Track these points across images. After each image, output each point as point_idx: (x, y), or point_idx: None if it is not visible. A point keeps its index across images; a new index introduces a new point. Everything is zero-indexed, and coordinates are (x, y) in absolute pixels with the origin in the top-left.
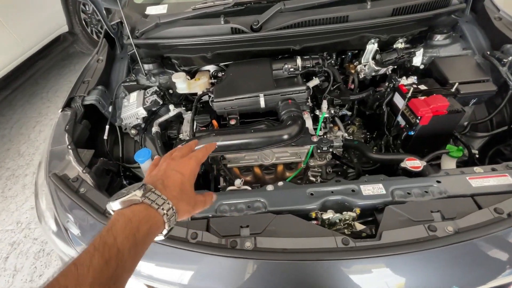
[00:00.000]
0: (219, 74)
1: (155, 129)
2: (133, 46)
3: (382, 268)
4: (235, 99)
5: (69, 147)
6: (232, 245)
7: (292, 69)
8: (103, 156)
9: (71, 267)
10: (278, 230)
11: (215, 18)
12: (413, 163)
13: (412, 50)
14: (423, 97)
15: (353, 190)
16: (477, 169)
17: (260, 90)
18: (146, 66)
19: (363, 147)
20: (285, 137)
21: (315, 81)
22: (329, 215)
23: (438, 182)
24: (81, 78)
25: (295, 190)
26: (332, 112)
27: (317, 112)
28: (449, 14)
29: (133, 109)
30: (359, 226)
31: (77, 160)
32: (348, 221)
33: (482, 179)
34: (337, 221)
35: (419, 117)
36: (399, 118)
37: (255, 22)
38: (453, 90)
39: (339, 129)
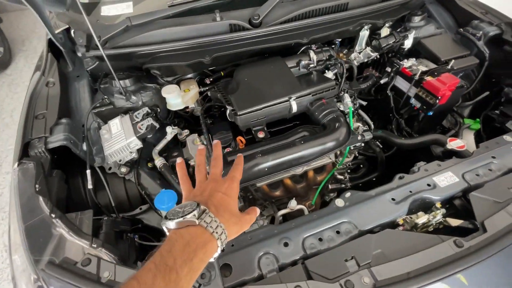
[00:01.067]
0: (207, 81)
1: (159, 161)
2: (105, 57)
3: (504, 259)
4: (264, 107)
5: (53, 215)
6: (349, 286)
7: (311, 65)
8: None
9: (133, 283)
10: (386, 252)
11: (204, 14)
12: (457, 143)
13: (406, 33)
14: (429, 78)
15: (429, 185)
16: (507, 137)
17: (288, 93)
18: (122, 83)
19: (389, 135)
20: (340, 141)
21: (329, 75)
22: (422, 219)
23: (493, 157)
24: (30, 112)
25: (372, 199)
26: (357, 104)
27: (341, 107)
28: None
29: (121, 141)
30: (455, 222)
31: (75, 232)
32: (441, 220)
33: None
34: (433, 223)
35: (439, 97)
36: (413, 101)
37: (255, 16)
38: (449, 67)
39: (354, 120)
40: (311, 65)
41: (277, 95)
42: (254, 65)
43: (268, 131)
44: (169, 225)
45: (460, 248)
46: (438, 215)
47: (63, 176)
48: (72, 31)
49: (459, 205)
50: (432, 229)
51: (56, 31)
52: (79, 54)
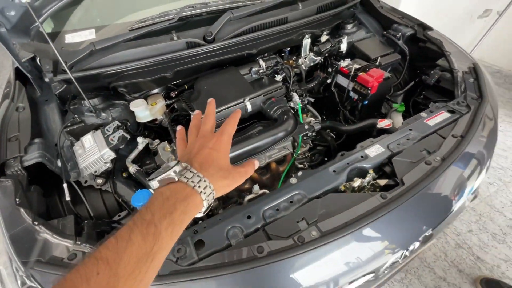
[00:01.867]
0: (172, 94)
1: (133, 168)
2: (73, 80)
3: (416, 202)
4: (222, 110)
5: (36, 223)
6: (300, 240)
7: (261, 71)
8: None
9: (111, 240)
10: (329, 211)
11: (163, 35)
12: (385, 123)
13: (340, 38)
14: (362, 73)
15: (362, 156)
16: (423, 114)
17: (243, 96)
18: (91, 102)
19: (336, 124)
20: (287, 131)
21: (278, 78)
22: (357, 183)
23: (410, 130)
24: (2, 136)
25: (318, 173)
26: (305, 101)
27: (291, 104)
28: (349, 8)
29: (95, 154)
30: (382, 182)
31: (59, 234)
32: (371, 182)
33: (432, 119)
34: (365, 185)
35: (369, 88)
36: (351, 94)
37: (208, 34)
38: (377, 63)
39: (307, 115)
40: (261, 71)
41: (233, 98)
42: (212, 75)
43: None
44: (152, 185)
45: (385, 199)
46: (368, 178)
47: (41, 191)
48: (37, 59)
49: (386, 168)
50: (366, 189)
51: (23, 60)
52: (47, 80)
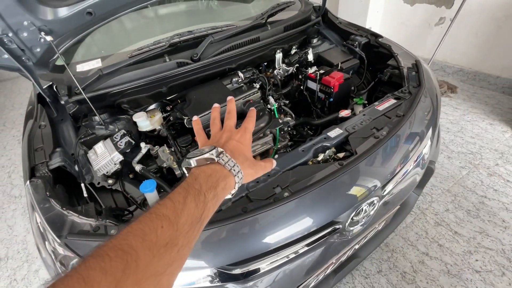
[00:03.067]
0: (168, 108)
1: (138, 166)
2: (87, 99)
3: (366, 166)
4: (210, 112)
5: (64, 208)
6: (275, 199)
7: (240, 81)
8: None
9: (167, 201)
10: (299, 178)
11: (157, 59)
12: (344, 112)
13: (306, 50)
14: (326, 76)
15: (325, 138)
16: (376, 103)
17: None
18: (98, 118)
19: (309, 120)
20: (264, 124)
21: (257, 86)
22: (321, 157)
23: (364, 115)
24: (30, 147)
25: (290, 153)
26: (281, 103)
27: (269, 106)
28: (312, 26)
29: (106, 157)
30: (341, 155)
31: (83, 215)
32: (332, 156)
33: (382, 105)
34: (327, 158)
35: (332, 87)
36: (319, 94)
37: (194, 55)
38: (339, 68)
39: (285, 116)
40: (240, 81)
41: (218, 102)
42: (200, 87)
43: None
44: (190, 163)
45: (341, 166)
46: (328, 152)
47: (63, 189)
48: (54, 86)
49: (346, 147)
50: (330, 162)
51: (44, 87)
52: (62, 102)
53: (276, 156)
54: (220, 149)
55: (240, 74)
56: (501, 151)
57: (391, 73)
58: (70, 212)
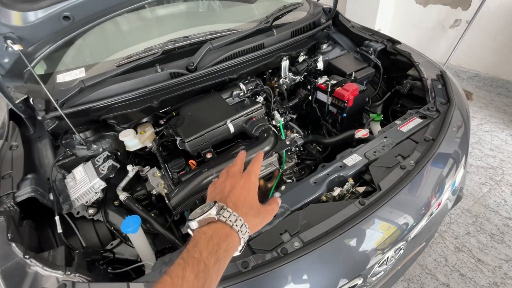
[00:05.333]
0: (161, 122)
1: (123, 195)
2: (64, 116)
3: (393, 206)
4: (206, 132)
5: (26, 256)
6: (283, 252)
7: (241, 94)
8: None
9: (166, 278)
10: (311, 221)
11: (147, 68)
12: (362, 133)
13: (315, 58)
14: (338, 88)
15: (341, 166)
16: (397, 121)
17: (224, 118)
18: (82, 135)
19: (319, 138)
20: (269, 147)
21: (260, 99)
22: (337, 192)
23: (385, 137)
24: None
25: (299, 186)
26: (288, 118)
27: (274, 122)
28: (322, 30)
29: (86, 184)
30: (360, 189)
31: (49, 266)
32: (351, 190)
33: (406, 125)
34: (345, 193)
35: (346, 101)
36: (331, 108)
37: (190, 64)
38: (352, 78)
39: (292, 132)
40: (242, 94)
41: (215, 121)
42: (195, 101)
43: (215, 151)
44: (191, 225)
45: (363, 205)
46: (346, 186)
47: (33, 225)
48: (31, 99)
49: (365, 176)
50: (347, 198)
51: (17, 101)
52: (39, 118)
53: (283, 187)
54: (220, 204)
55: (242, 86)
56: None
57: (412, 85)
58: (34, 261)
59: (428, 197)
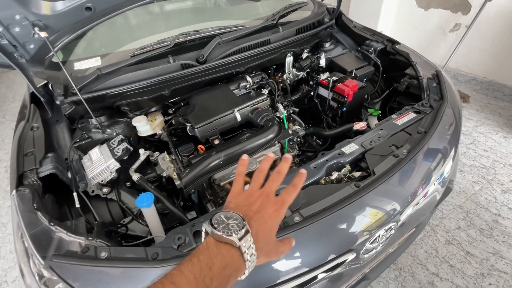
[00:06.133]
0: (170, 111)
1: (136, 176)
2: (83, 100)
3: (384, 188)
4: (215, 119)
5: (51, 224)
6: (285, 225)
7: (248, 86)
8: None
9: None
10: (310, 200)
11: (160, 59)
12: (360, 125)
13: (318, 55)
14: (339, 84)
15: (339, 154)
16: (393, 116)
17: (233, 107)
18: (95, 120)
19: (319, 130)
20: (273, 135)
21: (265, 91)
22: (334, 176)
23: (381, 129)
24: (20, 151)
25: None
26: (290, 111)
27: (277, 114)
28: (325, 29)
29: (102, 165)
30: (357, 174)
31: (72, 232)
32: (348, 175)
33: (401, 119)
34: (342, 177)
35: (346, 96)
36: (331, 102)
37: (200, 56)
38: (353, 75)
39: (294, 124)
40: (248, 86)
41: (224, 109)
42: (205, 91)
43: (222, 138)
44: (212, 233)
45: (358, 187)
46: (343, 170)
47: (54, 199)
48: (50, 85)
49: (362, 164)
50: (344, 182)
51: (37, 86)
52: (58, 102)
53: (312, 165)
54: (247, 228)
55: (249, 79)
56: None
57: (409, 83)
58: (58, 228)
59: (416, 185)
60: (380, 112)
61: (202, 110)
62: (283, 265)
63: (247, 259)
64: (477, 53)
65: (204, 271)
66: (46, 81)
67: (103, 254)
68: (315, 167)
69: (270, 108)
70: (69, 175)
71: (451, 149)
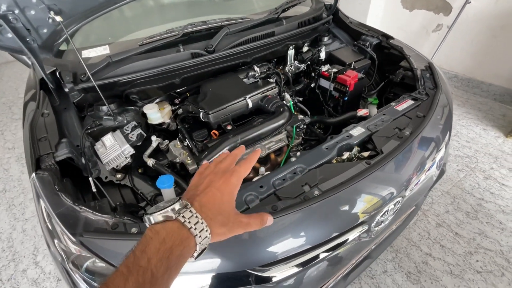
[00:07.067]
0: (176, 101)
1: (151, 161)
2: (96, 87)
3: (393, 166)
4: (228, 106)
5: (76, 204)
6: (305, 198)
7: (257, 75)
8: None
9: None
10: (327, 176)
11: (170, 48)
12: (363, 112)
13: (319, 48)
14: (340, 75)
15: (348, 136)
16: (392, 103)
17: (244, 94)
18: (105, 108)
19: (323, 118)
20: (284, 120)
21: (271, 81)
22: (346, 155)
23: (384, 114)
24: (34, 136)
25: (314, 151)
26: (295, 100)
27: (284, 102)
28: (324, 24)
29: (117, 150)
30: (366, 154)
31: (98, 211)
32: (357, 155)
33: (400, 106)
34: (352, 157)
35: (348, 86)
36: (333, 92)
37: (209, 46)
38: (352, 67)
39: (297, 113)
40: (256, 75)
41: (236, 96)
42: (216, 79)
43: (234, 125)
44: (148, 220)
45: (369, 164)
46: (354, 150)
47: (71, 183)
48: (57, 72)
49: (368, 145)
50: (354, 160)
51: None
52: (66, 90)
53: (298, 153)
54: (185, 202)
55: (256, 69)
56: (495, 156)
57: (404, 75)
58: (83, 208)
59: (419, 163)
60: (378, 101)
61: (215, 97)
62: (303, 237)
63: (191, 227)
64: (458, 52)
65: (138, 256)
66: (54, 68)
67: (134, 230)
68: (327, 148)
69: (278, 97)
70: (83, 160)
71: (446, 132)
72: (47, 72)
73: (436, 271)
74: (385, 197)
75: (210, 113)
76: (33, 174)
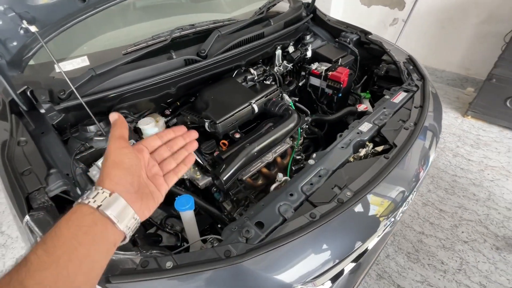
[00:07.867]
0: (167, 112)
1: None
2: (85, 106)
3: (408, 156)
4: (235, 113)
5: None
6: (340, 201)
7: (256, 78)
8: None
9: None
10: (352, 176)
11: (158, 55)
12: (362, 107)
13: (306, 47)
14: (330, 72)
15: (358, 133)
16: (386, 96)
17: (249, 100)
18: (93, 128)
19: (321, 116)
20: (295, 122)
21: (268, 83)
22: (362, 152)
23: (384, 108)
24: (14, 171)
25: (330, 152)
26: (293, 100)
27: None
28: (304, 23)
29: None
30: (379, 148)
31: (120, 249)
32: (372, 151)
33: (396, 98)
34: (369, 153)
35: (341, 82)
36: (327, 90)
37: (201, 51)
38: (339, 63)
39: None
40: (255, 78)
41: (241, 102)
42: (214, 86)
43: (242, 132)
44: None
45: (387, 159)
46: (369, 147)
47: None
48: (28, 91)
49: (378, 139)
50: (370, 156)
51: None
52: (42, 111)
53: (314, 155)
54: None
55: (253, 71)
56: (458, 135)
57: (387, 68)
58: None
59: (429, 145)
60: (370, 95)
61: (218, 105)
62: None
63: (99, 206)
64: (413, 43)
65: (38, 251)
66: (25, 87)
67: (169, 264)
68: (342, 147)
69: (279, 99)
70: (78, 191)
71: (440, 116)
72: (19, 91)
73: (431, 247)
74: (408, 189)
75: (217, 122)
76: (27, 217)
